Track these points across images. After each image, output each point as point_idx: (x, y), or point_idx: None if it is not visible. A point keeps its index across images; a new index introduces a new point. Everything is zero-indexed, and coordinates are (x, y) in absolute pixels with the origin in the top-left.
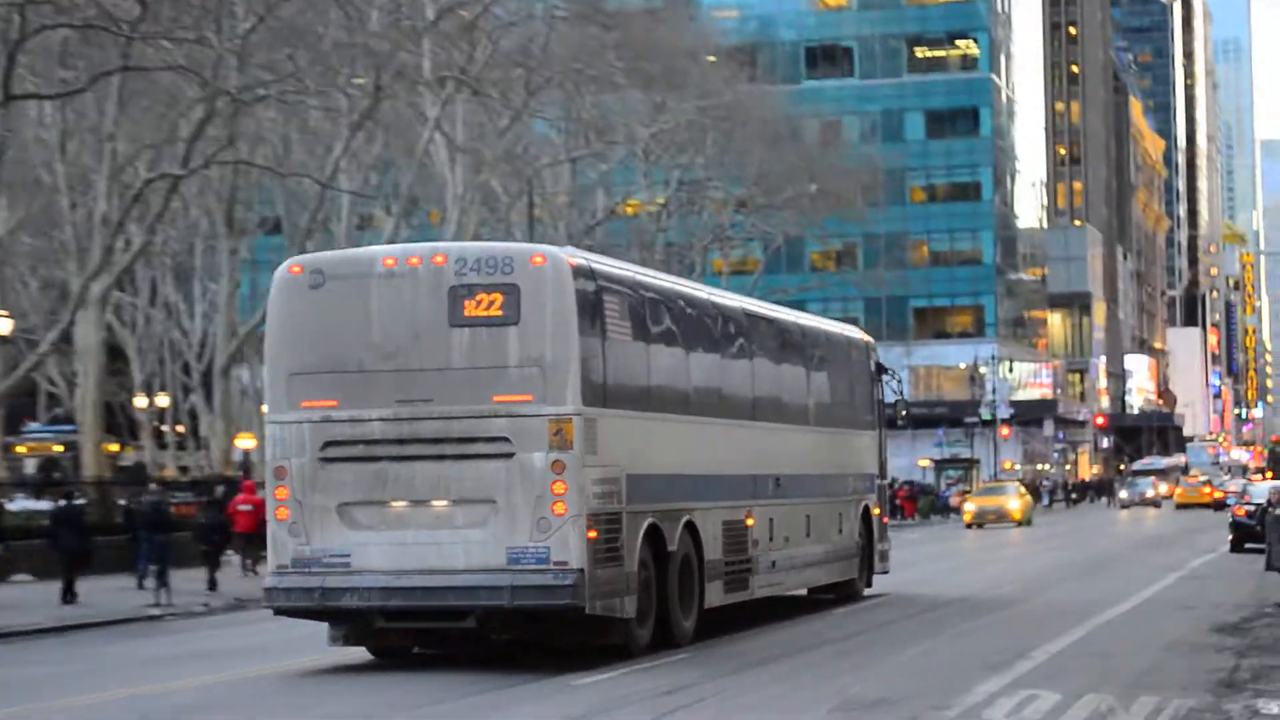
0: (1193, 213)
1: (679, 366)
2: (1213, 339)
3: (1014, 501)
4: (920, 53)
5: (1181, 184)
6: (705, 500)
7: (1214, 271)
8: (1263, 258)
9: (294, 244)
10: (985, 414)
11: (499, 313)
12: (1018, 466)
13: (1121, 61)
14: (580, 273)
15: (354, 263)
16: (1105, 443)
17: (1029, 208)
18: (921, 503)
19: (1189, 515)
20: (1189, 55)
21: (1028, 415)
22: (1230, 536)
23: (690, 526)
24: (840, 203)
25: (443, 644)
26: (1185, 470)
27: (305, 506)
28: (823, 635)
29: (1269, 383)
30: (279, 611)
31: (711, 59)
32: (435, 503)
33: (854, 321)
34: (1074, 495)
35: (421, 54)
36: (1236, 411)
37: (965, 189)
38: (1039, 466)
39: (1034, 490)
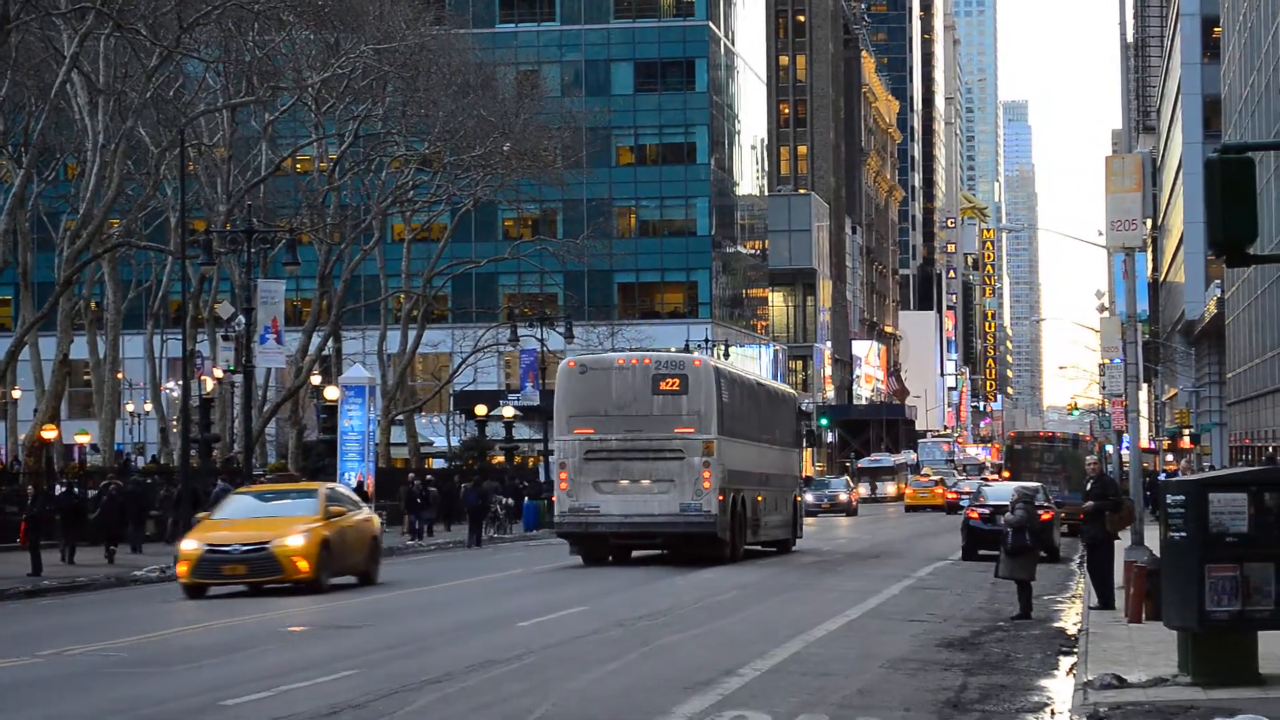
0: (929, 183)
1: (743, 413)
2: (949, 323)
3: None
4: None
5: (917, 151)
6: (747, 485)
7: (951, 248)
8: (1004, 234)
9: None
10: None
11: (676, 387)
12: None
13: (853, 12)
14: (714, 369)
15: (603, 361)
16: (830, 437)
17: (748, 173)
18: None
19: (920, 518)
20: (928, 8)
21: None
22: (963, 542)
23: (743, 498)
24: (538, 163)
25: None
26: (916, 468)
27: (575, 482)
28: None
29: (1009, 373)
30: (562, 534)
31: None
32: (643, 481)
33: (553, 298)
34: None
35: None
36: (974, 404)
37: (678, 150)
38: None
39: None
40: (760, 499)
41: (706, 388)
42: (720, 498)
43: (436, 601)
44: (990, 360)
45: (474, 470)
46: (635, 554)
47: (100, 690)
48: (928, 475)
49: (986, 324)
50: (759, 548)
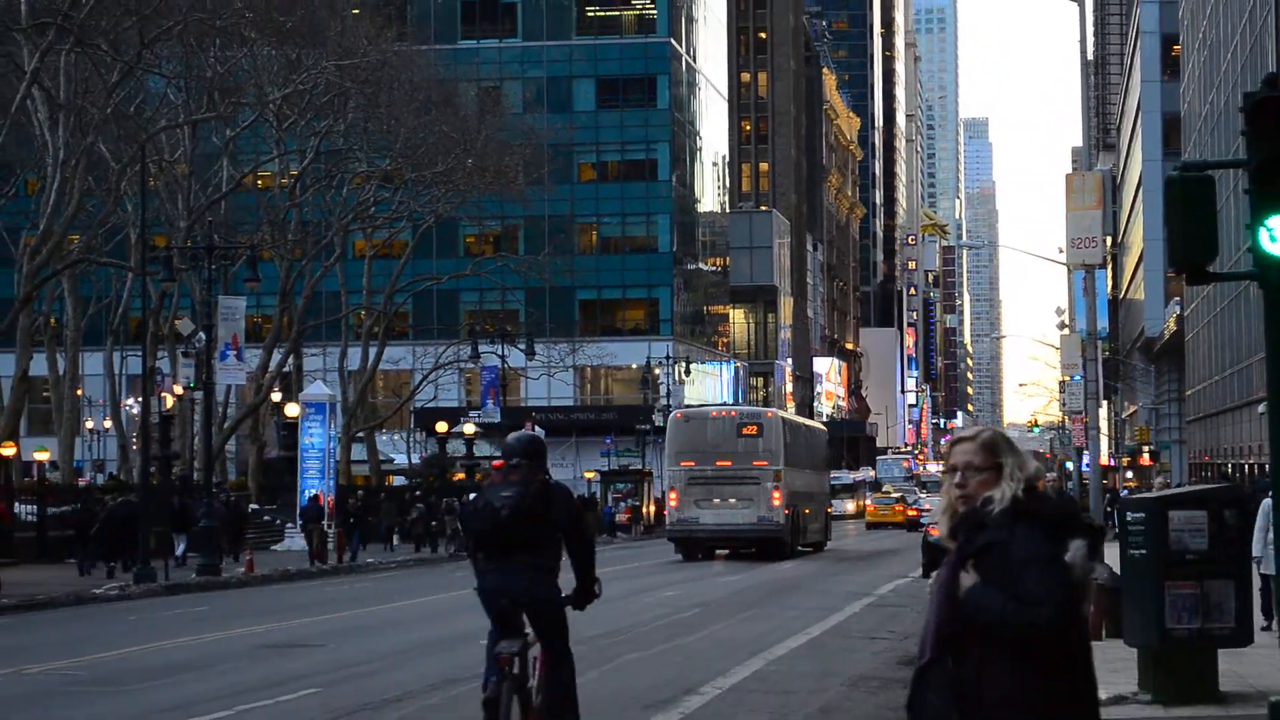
0: (890, 200)
1: (798, 449)
2: (909, 340)
3: None
4: (591, 12)
5: (879, 168)
6: (800, 501)
7: (912, 265)
8: (965, 252)
9: None
10: (659, 420)
11: (754, 432)
12: None
13: (814, 29)
14: (781, 419)
15: (701, 413)
16: None
17: (710, 190)
18: (586, 520)
19: (879, 535)
20: (889, 25)
21: None
22: (923, 560)
23: (798, 511)
24: (499, 180)
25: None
26: (877, 486)
27: (682, 501)
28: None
29: (970, 390)
30: (671, 539)
31: (355, 11)
32: (730, 500)
33: (514, 315)
34: None
35: None
36: (935, 421)
37: (640, 167)
38: None
39: None
40: (807, 511)
41: (776, 433)
42: (786, 511)
43: (397, 620)
44: (951, 376)
45: (433, 487)
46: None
47: (58, 710)
48: (889, 492)
49: (946, 341)
50: (804, 548)
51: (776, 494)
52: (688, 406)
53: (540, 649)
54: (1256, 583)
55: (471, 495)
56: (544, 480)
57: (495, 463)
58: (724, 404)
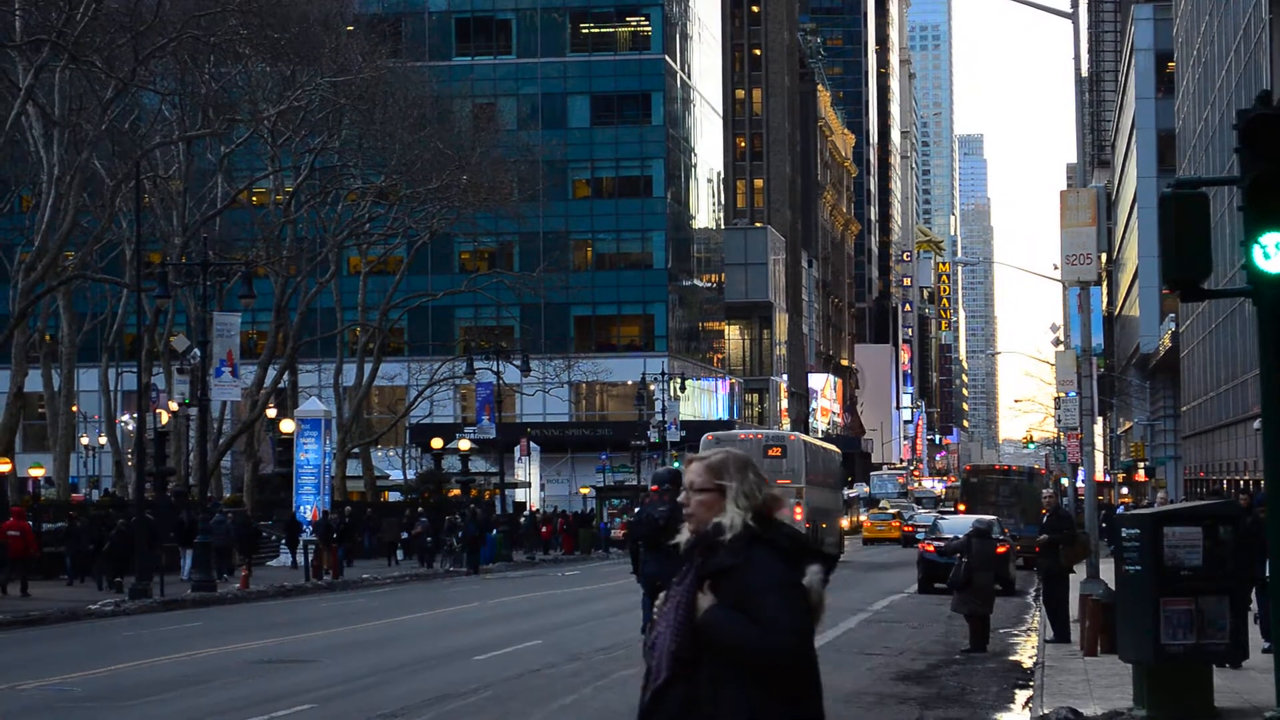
0: (885, 217)
1: (816, 468)
2: (904, 357)
3: None
4: (586, 29)
5: (873, 184)
6: (819, 516)
7: (907, 282)
8: (960, 268)
9: None
10: (654, 436)
11: (779, 454)
12: None
13: (809, 47)
14: (803, 442)
15: (730, 436)
16: None
17: (705, 206)
18: (581, 536)
19: (875, 550)
20: (883, 42)
21: (701, 439)
22: (919, 575)
23: (818, 525)
24: (494, 196)
25: None
26: (873, 502)
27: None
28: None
29: (965, 406)
30: None
31: (350, 28)
32: None
33: (509, 331)
34: None
35: (12, 11)
36: (930, 437)
37: (635, 184)
38: None
39: None
40: (824, 525)
41: (798, 454)
42: (807, 525)
43: (392, 636)
44: (947, 393)
45: (429, 503)
46: None
47: None
48: (885, 508)
49: (941, 357)
50: None
51: (799, 509)
52: (717, 430)
53: None
54: (1254, 603)
55: (636, 509)
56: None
57: (653, 487)
58: (751, 429)
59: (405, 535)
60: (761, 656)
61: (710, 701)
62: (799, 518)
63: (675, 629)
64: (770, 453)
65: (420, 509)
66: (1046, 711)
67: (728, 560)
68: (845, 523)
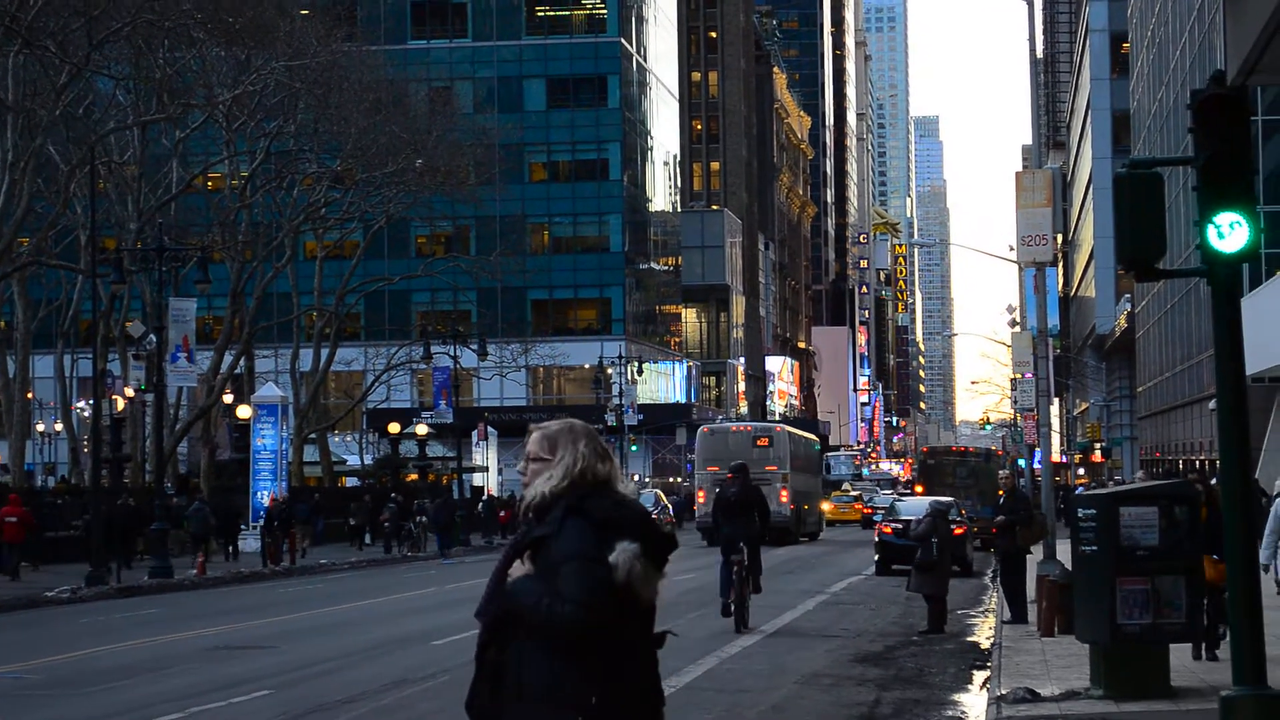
0: (841, 199)
1: (799, 456)
2: (861, 339)
3: None
4: (541, 12)
5: (830, 166)
6: (801, 499)
7: (864, 264)
8: (916, 250)
9: None
10: (611, 420)
11: (767, 444)
12: (647, 480)
13: (765, 29)
14: (788, 433)
15: (724, 428)
16: None
17: (661, 189)
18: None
19: (835, 532)
20: (839, 23)
21: (659, 422)
22: (876, 557)
23: (800, 506)
24: (450, 180)
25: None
26: (834, 484)
27: (709, 499)
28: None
29: (922, 388)
30: (700, 529)
31: (305, 12)
32: None
33: (466, 315)
34: None
35: None
36: (887, 419)
37: (591, 167)
38: (671, 479)
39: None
40: (806, 507)
41: (784, 444)
42: (792, 507)
43: (350, 621)
44: (904, 374)
45: (387, 488)
46: None
47: (12, 713)
48: (847, 490)
49: (898, 339)
50: (803, 537)
51: (784, 492)
52: (713, 421)
53: (746, 556)
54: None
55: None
56: (751, 484)
57: (728, 474)
58: (743, 420)
59: (369, 522)
60: (548, 625)
61: (516, 665)
62: (784, 499)
63: (486, 594)
64: (759, 443)
65: (394, 494)
66: (1004, 692)
67: (541, 530)
68: (826, 506)
